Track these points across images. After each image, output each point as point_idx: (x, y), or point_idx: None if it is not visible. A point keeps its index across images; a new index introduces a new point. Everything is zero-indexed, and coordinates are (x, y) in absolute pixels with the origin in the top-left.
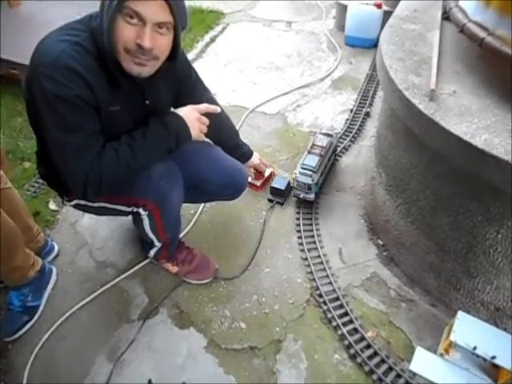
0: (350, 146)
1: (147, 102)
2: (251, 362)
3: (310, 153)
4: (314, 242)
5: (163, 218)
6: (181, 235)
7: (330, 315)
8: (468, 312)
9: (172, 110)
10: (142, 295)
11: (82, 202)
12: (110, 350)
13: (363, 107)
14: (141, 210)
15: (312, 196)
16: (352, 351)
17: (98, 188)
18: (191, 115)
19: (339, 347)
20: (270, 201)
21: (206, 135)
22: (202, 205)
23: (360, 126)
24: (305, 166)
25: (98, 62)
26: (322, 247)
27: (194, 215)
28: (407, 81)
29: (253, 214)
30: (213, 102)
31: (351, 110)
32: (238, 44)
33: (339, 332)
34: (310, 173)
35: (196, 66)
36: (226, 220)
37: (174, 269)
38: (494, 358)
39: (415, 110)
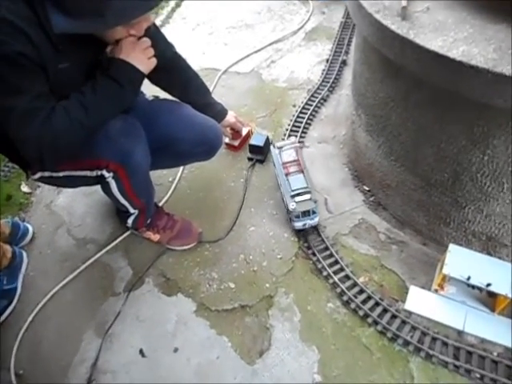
0: (328, 96)
1: (100, 57)
2: (243, 321)
3: (288, 175)
4: None
5: (130, 178)
6: (161, 203)
7: (319, 265)
8: (460, 246)
9: (108, 51)
10: (126, 267)
11: (46, 174)
12: (97, 325)
13: (339, 56)
14: (104, 172)
15: (317, 219)
16: (345, 298)
17: (54, 152)
18: (129, 50)
19: (332, 296)
20: (249, 159)
21: (172, 91)
22: (180, 171)
23: (337, 75)
24: (296, 192)
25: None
26: None
27: (172, 182)
28: (377, 4)
29: (233, 175)
30: (176, 56)
31: (327, 60)
32: (205, 6)
33: (331, 281)
34: (308, 195)
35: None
36: (206, 184)
37: (156, 237)
38: (489, 285)
39: (387, 32)
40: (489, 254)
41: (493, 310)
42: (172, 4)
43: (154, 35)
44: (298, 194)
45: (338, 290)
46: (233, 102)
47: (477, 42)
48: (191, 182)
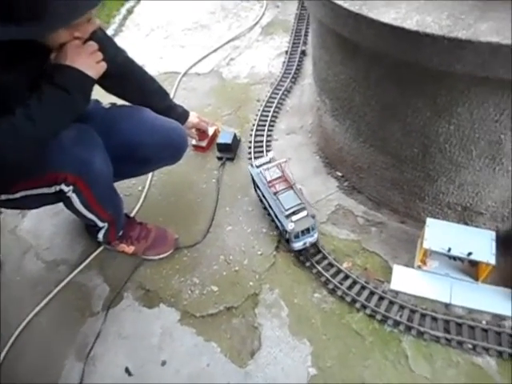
0: (291, 87)
1: (45, 66)
2: (230, 323)
3: (277, 194)
4: None
5: (92, 189)
6: (132, 214)
7: (301, 257)
8: (437, 219)
9: (52, 58)
10: (102, 285)
11: (3, 197)
12: (78, 348)
13: (298, 47)
14: (63, 186)
15: (316, 235)
16: (331, 286)
17: (2, 169)
18: (75, 55)
19: (317, 286)
20: (219, 158)
21: (127, 96)
22: (149, 178)
23: (298, 65)
24: (290, 210)
25: None
26: None
27: (142, 191)
28: None
29: (204, 176)
30: (129, 61)
31: (286, 52)
32: (157, 10)
33: (314, 271)
34: (304, 212)
35: (117, 41)
36: (177, 188)
37: (131, 249)
38: (470, 254)
39: (341, 10)
40: (466, 223)
41: (476, 278)
42: (123, 12)
43: (103, 41)
44: (294, 213)
45: (323, 278)
46: (196, 103)
47: (429, 11)
48: (161, 188)
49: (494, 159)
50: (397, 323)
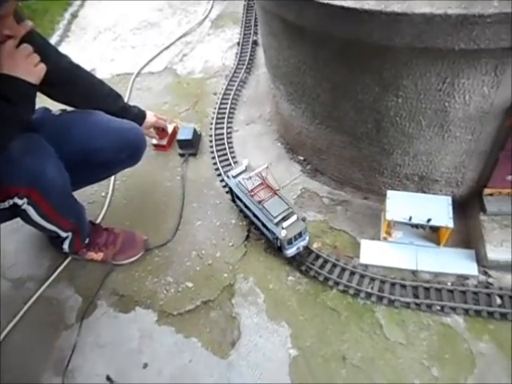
0: (246, 78)
1: None
2: (209, 317)
3: (262, 202)
4: None
5: (47, 199)
6: (98, 220)
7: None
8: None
9: None
10: (74, 296)
11: None
12: (54, 363)
13: (249, 37)
14: (17, 200)
15: (307, 238)
16: (303, 268)
17: None
18: (10, 62)
19: (290, 269)
20: (181, 155)
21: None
22: (112, 183)
23: (251, 55)
24: (280, 217)
25: None
26: None
27: (106, 197)
28: None
29: (168, 175)
30: (73, 66)
31: (238, 43)
32: (103, 12)
33: None
34: (294, 216)
35: (64, 47)
36: (141, 190)
37: (99, 256)
38: (429, 220)
39: None
40: (424, 192)
41: (438, 243)
42: (67, 17)
43: (43, 47)
44: (283, 219)
45: (295, 261)
46: (152, 101)
47: None
48: (125, 191)
49: (442, 127)
50: (369, 295)
